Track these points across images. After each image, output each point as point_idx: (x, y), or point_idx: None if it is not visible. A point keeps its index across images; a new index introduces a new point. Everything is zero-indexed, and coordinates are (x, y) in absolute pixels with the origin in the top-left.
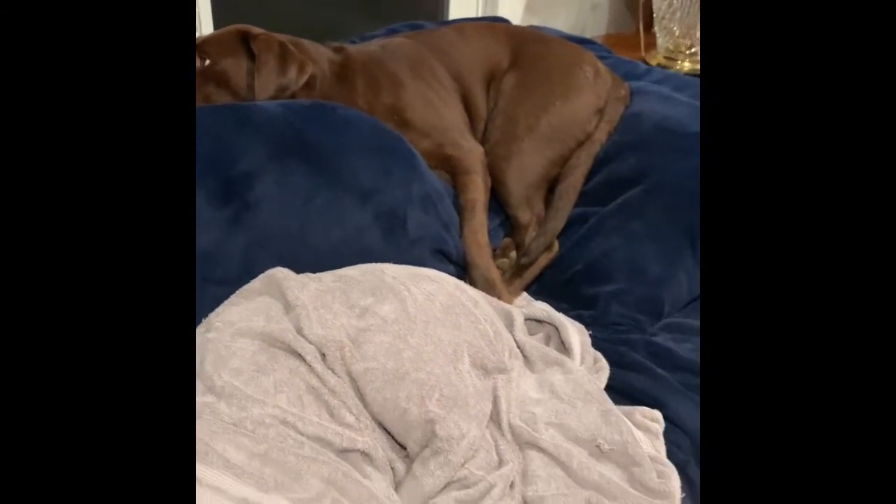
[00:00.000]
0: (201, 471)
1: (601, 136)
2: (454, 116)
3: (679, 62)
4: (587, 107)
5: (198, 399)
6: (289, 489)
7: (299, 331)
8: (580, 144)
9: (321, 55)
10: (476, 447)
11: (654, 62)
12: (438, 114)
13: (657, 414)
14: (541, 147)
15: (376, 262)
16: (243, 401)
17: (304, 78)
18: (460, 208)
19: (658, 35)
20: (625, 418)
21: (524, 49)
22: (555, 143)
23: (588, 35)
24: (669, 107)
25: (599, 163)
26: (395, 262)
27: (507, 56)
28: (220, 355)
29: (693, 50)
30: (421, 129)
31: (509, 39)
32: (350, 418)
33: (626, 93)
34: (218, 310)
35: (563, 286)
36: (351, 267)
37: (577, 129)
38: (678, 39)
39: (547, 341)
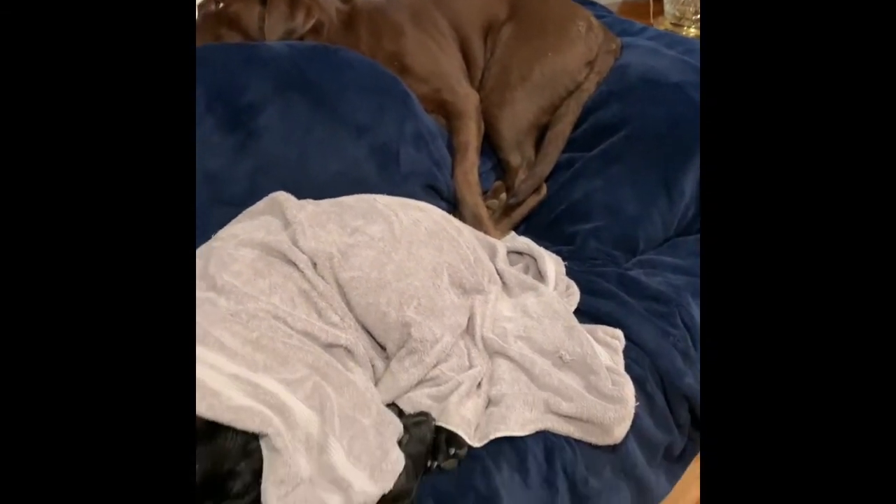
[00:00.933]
0: (200, 351)
1: (590, 87)
2: (451, 64)
3: (685, 28)
4: (578, 58)
5: (199, 295)
6: (276, 371)
7: (294, 243)
8: (570, 94)
9: (329, 4)
10: (449, 352)
11: (661, 28)
12: (436, 61)
13: (619, 332)
14: (533, 95)
15: (371, 193)
16: (240, 297)
17: (311, 23)
18: (453, 150)
19: (665, 2)
20: (587, 334)
21: (522, 3)
22: (546, 91)
23: (603, 2)
24: (655, 59)
25: (587, 111)
26: (388, 195)
27: (505, 9)
28: (222, 260)
29: (698, 16)
30: (419, 75)
31: None
32: (336, 318)
33: (617, 47)
34: (229, 224)
35: (547, 226)
36: (347, 196)
37: (568, 79)
38: (683, 6)
39: (525, 271)
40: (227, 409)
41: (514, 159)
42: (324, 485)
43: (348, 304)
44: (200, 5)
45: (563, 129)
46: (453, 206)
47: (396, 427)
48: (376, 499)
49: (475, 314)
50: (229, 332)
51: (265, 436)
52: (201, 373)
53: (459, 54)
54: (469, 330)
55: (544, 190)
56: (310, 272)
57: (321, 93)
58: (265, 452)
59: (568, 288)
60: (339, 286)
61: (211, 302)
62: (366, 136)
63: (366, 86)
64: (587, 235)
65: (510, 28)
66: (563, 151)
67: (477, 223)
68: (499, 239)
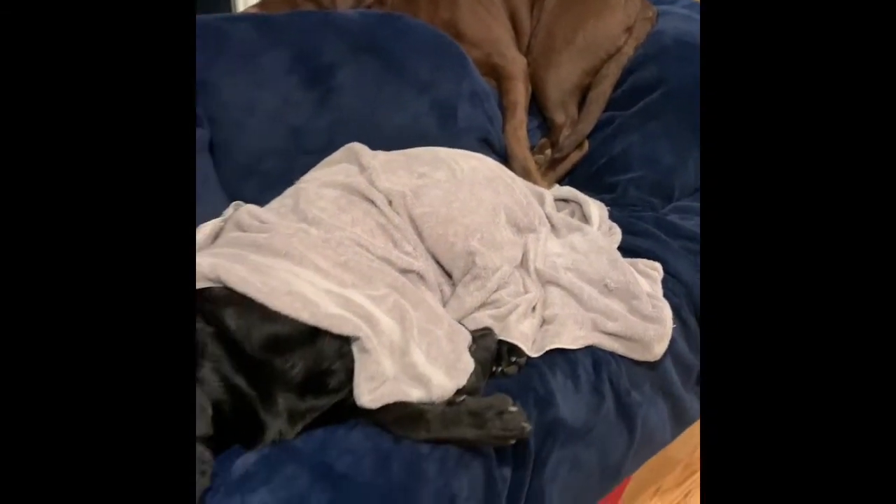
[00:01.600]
0: (299, 270)
1: (629, 51)
2: (501, 31)
3: None
4: (618, 25)
5: (294, 225)
6: (362, 288)
7: (371, 184)
8: (610, 57)
9: None
10: (507, 280)
11: None
12: (488, 28)
13: (657, 265)
14: (576, 58)
15: (432, 145)
16: (329, 227)
17: None
18: (503, 109)
19: None
20: (629, 265)
21: None
22: (588, 55)
23: None
24: (689, 24)
25: (626, 73)
26: (447, 147)
27: None
28: (309, 198)
29: None
30: (472, 41)
31: None
32: (409, 248)
33: (654, 14)
34: (311, 170)
35: (589, 178)
36: (412, 148)
37: (609, 43)
38: None
39: (571, 215)
40: (325, 316)
41: (559, 118)
42: (406, 381)
43: (420, 235)
44: None
45: (604, 90)
46: (504, 159)
47: (466, 336)
48: (451, 392)
49: (528, 250)
50: (321, 255)
51: (357, 339)
52: (302, 287)
53: (509, 22)
54: (523, 264)
55: (586, 146)
56: (386, 208)
57: (389, 54)
58: (356, 354)
59: (610, 229)
60: (412, 220)
61: (304, 231)
62: (427, 94)
63: (428, 48)
64: (627, 184)
65: None
66: (604, 110)
67: (526, 175)
68: (546, 189)
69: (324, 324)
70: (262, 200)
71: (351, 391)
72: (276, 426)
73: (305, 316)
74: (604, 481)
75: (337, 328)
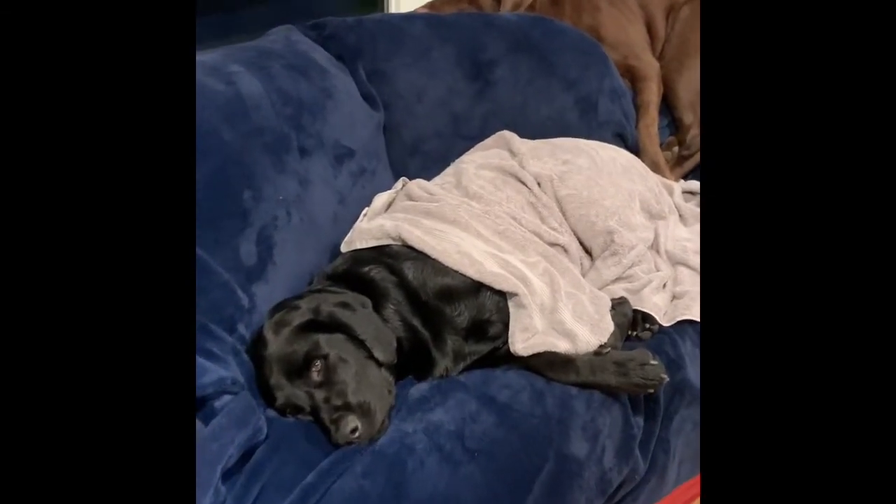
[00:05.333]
0: (464, 236)
1: None
2: (638, 36)
3: None
4: None
5: (458, 198)
6: (517, 254)
7: (522, 167)
8: None
9: None
10: (641, 258)
11: None
12: (626, 33)
13: None
14: None
15: (573, 136)
16: (488, 202)
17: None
18: (637, 107)
19: None
20: None
21: None
22: None
23: None
24: None
25: None
26: (587, 139)
27: None
28: (469, 177)
29: None
30: (611, 44)
31: None
32: (555, 224)
33: None
34: (465, 154)
35: None
36: (554, 138)
37: None
38: None
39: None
40: (488, 274)
41: (688, 118)
42: (555, 335)
43: (564, 214)
44: None
45: None
46: (636, 153)
47: (606, 301)
48: (595, 347)
49: (659, 234)
50: (483, 224)
51: (514, 296)
52: (469, 248)
53: (644, 28)
54: (654, 246)
55: None
56: (535, 189)
57: (541, 53)
58: (512, 309)
59: None
60: (558, 201)
61: (467, 204)
62: (573, 90)
63: (575, 48)
64: None
65: (689, 8)
66: None
67: (655, 168)
68: (674, 182)
69: (487, 280)
70: (422, 176)
71: (505, 341)
72: (443, 363)
73: (472, 272)
74: None
75: (498, 285)
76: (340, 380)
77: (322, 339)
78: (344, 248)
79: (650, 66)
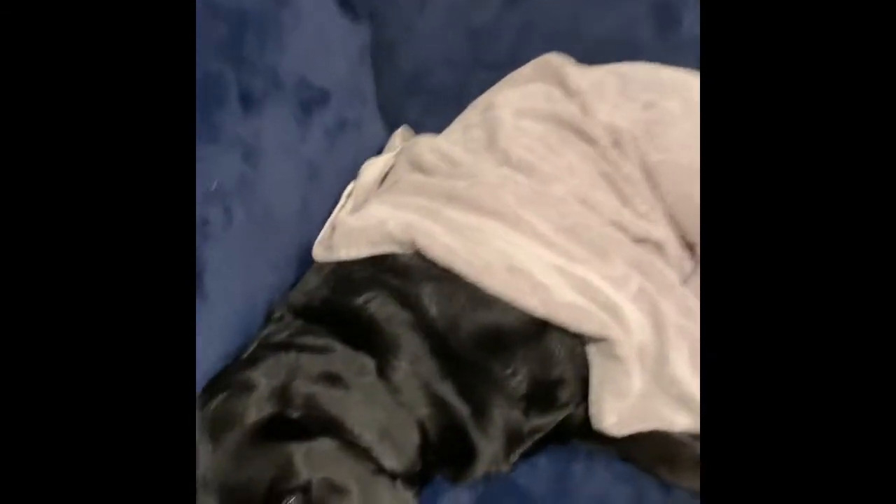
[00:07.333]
0: (514, 236)
1: None
2: None
3: None
4: None
5: (496, 170)
6: (596, 266)
7: (586, 115)
8: None
9: None
10: None
11: None
12: None
13: None
14: None
15: (641, 59)
16: (543, 177)
17: None
18: None
19: None
20: None
21: None
22: None
23: None
24: None
25: None
26: (663, 63)
27: None
28: (508, 132)
29: None
30: None
31: None
32: (643, 207)
33: None
34: (491, 91)
35: None
36: (620, 64)
37: None
38: None
39: None
40: (560, 306)
41: None
42: (666, 400)
43: (655, 190)
44: None
45: None
46: None
47: None
48: None
49: None
50: (539, 216)
51: (600, 341)
52: (525, 261)
53: None
54: None
55: None
56: (611, 152)
57: None
58: (597, 359)
59: None
60: (646, 170)
61: (511, 179)
62: None
63: None
64: None
65: None
66: None
67: None
68: None
69: (559, 316)
70: (426, 125)
71: (579, 403)
72: (489, 451)
73: (534, 303)
74: None
75: (576, 323)
76: None
77: (298, 453)
78: (320, 256)
79: None
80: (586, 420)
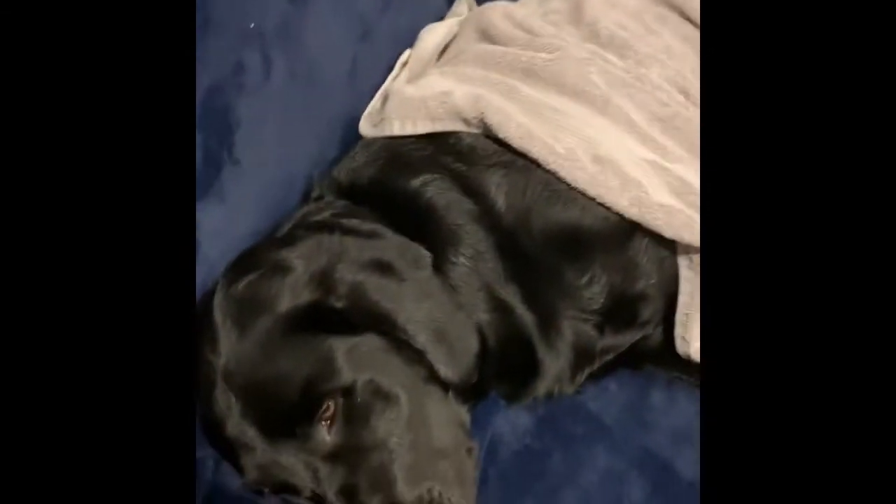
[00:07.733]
0: (601, 123)
1: None
2: None
3: None
4: None
5: (582, 45)
6: (694, 164)
7: None
8: None
9: None
10: None
11: None
12: None
13: None
14: None
15: None
16: (640, 58)
17: None
18: None
19: None
20: None
21: None
22: None
23: None
24: None
25: None
26: None
27: None
28: (595, 4)
29: None
30: None
31: None
32: None
33: None
34: None
35: None
36: None
37: None
38: None
39: None
40: (655, 207)
41: None
42: None
43: None
44: None
45: None
46: None
47: None
48: None
49: None
50: (634, 102)
51: (696, 253)
52: (614, 152)
53: None
54: None
55: None
56: None
57: None
58: (689, 274)
59: None
60: None
61: (600, 56)
62: None
63: None
64: None
65: None
66: None
67: None
68: None
69: (652, 220)
70: None
71: (658, 323)
72: (555, 368)
73: (623, 202)
74: None
75: (671, 230)
76: (378, 441)
77: (340, 349)
78: (368, 132)
79: None
80: (665, 344)
